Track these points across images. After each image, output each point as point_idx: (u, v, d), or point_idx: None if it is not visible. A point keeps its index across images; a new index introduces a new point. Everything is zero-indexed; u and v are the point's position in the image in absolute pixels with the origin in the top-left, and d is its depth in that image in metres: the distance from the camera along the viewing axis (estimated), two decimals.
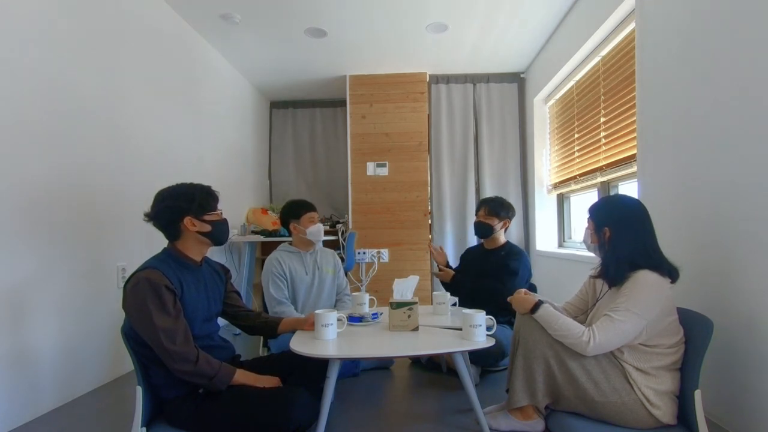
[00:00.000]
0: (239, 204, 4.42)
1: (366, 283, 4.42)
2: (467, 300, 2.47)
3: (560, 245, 4.04)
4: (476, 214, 2.68)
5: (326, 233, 3.77)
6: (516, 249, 2.59)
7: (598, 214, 1.68)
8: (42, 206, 2.07)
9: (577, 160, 3.41)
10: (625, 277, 1.54)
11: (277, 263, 2.42)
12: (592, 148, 3.14)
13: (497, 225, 2.58)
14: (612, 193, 2.98)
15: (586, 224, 1.73)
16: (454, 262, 2.91)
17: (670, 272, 1.53)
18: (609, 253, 1.61)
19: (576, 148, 3.44)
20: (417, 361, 2.69)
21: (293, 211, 2.49)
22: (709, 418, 1.76)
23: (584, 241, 1.75)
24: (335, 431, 1.81)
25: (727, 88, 1.73)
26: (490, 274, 2.48)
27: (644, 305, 1.46)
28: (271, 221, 4.26)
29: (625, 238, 1.57)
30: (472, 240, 4.47)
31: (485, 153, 4.53)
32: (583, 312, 1.80)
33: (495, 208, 2.58)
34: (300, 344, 1.66)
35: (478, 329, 1.67)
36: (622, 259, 1.56)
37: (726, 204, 1.75)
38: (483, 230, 2.61)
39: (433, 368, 2.59)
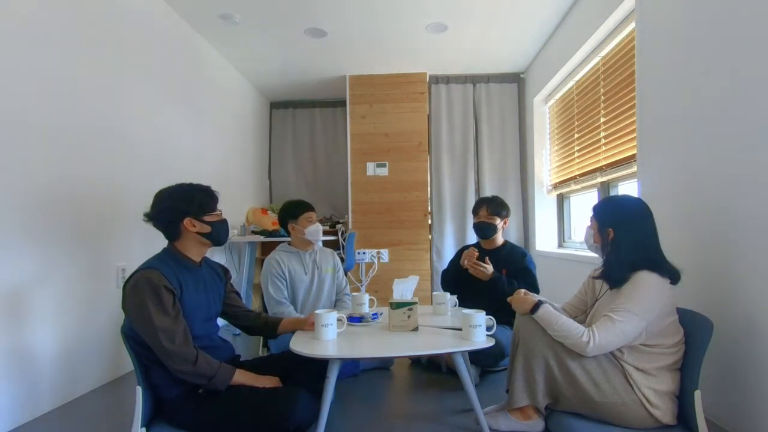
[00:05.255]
0: (239, 204, 4.42)
1: (366, 283, 4.42)
2: (475, 295, 2.44)
3: (560, 245, 4.04)
4: (475, 215, 2.66)
5: (326, 233, 3.77)
6: (520, 249, 2.60)
7: (603, 214, 1.67)
8: (42, 206, 2.07)
9: (577, 160, 3.41)
10: (625, 278, 1.54)
11: (276, 264, 2.42)
12: (592, 148, 3.14)
13: (499, 224, 2.60)
14: (612, 193, 2.98)
15: (589, 223, 1.73)
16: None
17: (671, 274, 1.52)
18: (612, 255, 1.61)
19: (576, 148, 3.44)
20: (417, 361, 2.68)
21: (291, 212, 2.49)
22: (709, 418, 1.75)
23: (586, 240, 1.75)
24: (335, 431, 1.81)
25: (727, 88, 1.73)
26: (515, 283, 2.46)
27: (644, 306, 1.46)
28: (271, 221, 4.26)
29: (628, 240, 1.57)
30: (472, 239, 4.46)
31: (485, 153, 4.53)
32: (583, 312, 1.80)
33: (496, 208, 2.58)
34: (300, 344, 1.66)
35: (478, 329, 1.67)
36: (623, 261, 1.56)
37: (726, 204, 1.74)
38: (486, 231, 2.60)
39: (433, 368, 2.59)
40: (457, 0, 3.15)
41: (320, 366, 1.66)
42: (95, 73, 2.42)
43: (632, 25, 2.50)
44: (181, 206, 1.57)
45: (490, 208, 2.58)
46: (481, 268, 2.41)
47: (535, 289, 2.37)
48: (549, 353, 1.58)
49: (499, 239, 2.65)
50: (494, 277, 2.41)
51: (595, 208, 1.71)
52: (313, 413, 1.58)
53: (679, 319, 1.54)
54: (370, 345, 1.72)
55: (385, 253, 4.47)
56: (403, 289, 1.96)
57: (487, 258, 2.46)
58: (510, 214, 2.66)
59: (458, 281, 2.60)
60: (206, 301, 1.66)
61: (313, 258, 2.55)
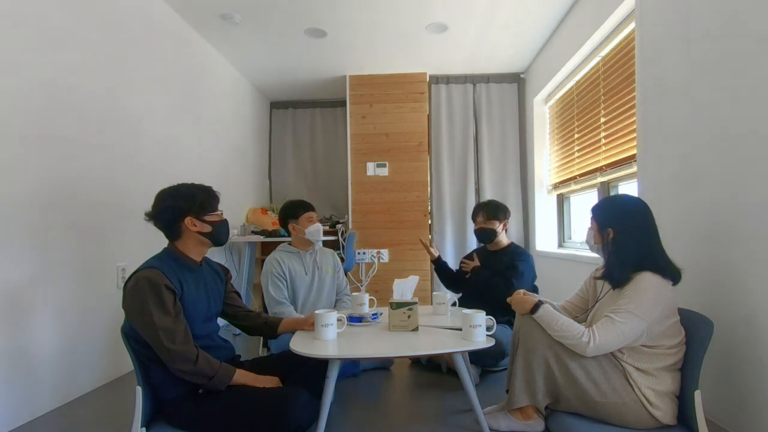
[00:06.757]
0: (239, 204, 4.42)
1: (366, 283, 4.42)
2: (474, 296, 2.50)
3: (560, 245, 4.04)
4: (474, 221, 2.69)
5: (326, 233, 3.77)
6: (521, 250, 2.61)
7: (602, 214, 1.67)
8: (42, 206, 2.07)
9: (577, 161, 3.41)
10: (627, 279, 1.54)
11: (276, 263, 2.42)
12: (592, 148, 3.14)
13: (498, 228, 2.61)
14: (612, 193, 2.98)
15: (589, 224, 1.73)
16: (454, 263, 2.93)
17: (673, 274, 1.52)
18: (613, 255, 1.60)
19: (576, 148, 3.44)
20: (417, 361, 2.69)
21: (292, 212, 2.49)
22: (709, 419, 1.75)
23: (587, 241, 1.75)
24: (335, 431, 1.81)
25: (727, 88, 1.73)
26: (497, 275, 2.50)
27: (645, 307, 1.46)
28: (271, 221, 4.26)
29: (629, 240, 1.57)
30: (472, 240, 4.47)
31: (485, 153, 4.53)
32: (584, 311, 1.80)
33: (493, 212, 2.60)
34: (300, 344, 1.66)
35: (478, 329, 1.67)
36: (626, 261, 1.56)
37: (725, 204, 1.75)
38: (486, 236, 2.64)
39: (433, 368, 2.59)
40: (457, 0, 3.16)
41: (320, 366, 1.66)
42: (95, 72, 2.42)
43: (632, 25, 2.50)
44: (182, 206, 1.57)
45: (487, 213, 2.61)
46: (467, 265, 2.67)
47: (510, 283, 2.39)
48: (549, 353, 1.58)
49: (504, 241, 2.66)
50: (476, 270, 2.61)
51: (594, 209, 1.70)
52: (313, 413, 1.58)
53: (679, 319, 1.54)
54: (370, 345, 1.72)
55: (385, 253, 4.47)
56: (403, 289, 1.96)
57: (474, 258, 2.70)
58: (509, 215, 2.67)
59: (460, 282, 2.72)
60: (206, 300, 1.66)
61: (314, 258, 2.55)
